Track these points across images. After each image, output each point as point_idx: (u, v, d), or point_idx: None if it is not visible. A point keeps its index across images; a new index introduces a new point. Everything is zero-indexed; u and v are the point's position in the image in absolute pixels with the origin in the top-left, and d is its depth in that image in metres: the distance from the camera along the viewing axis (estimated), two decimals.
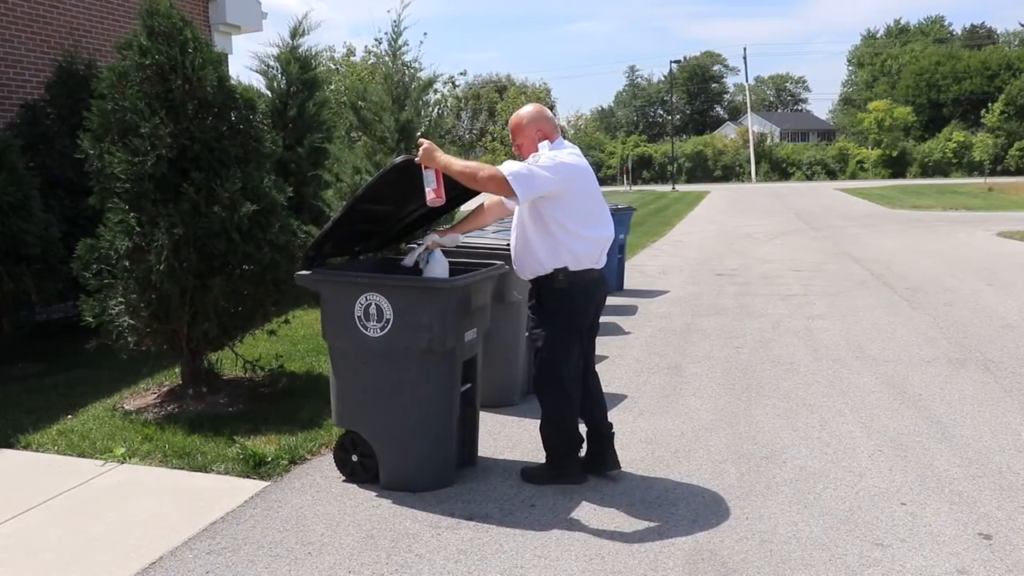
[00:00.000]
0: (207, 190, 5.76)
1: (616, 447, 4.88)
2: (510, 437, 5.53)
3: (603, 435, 4.81)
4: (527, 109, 4.85)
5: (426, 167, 4.46)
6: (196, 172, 5.80)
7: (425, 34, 32.80)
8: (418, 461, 4.58)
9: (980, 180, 48.74)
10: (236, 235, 5.81)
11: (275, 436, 5.44)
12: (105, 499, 4.61)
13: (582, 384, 4.71)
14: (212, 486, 4.74)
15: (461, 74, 30.45)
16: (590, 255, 4.51)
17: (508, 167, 4.38)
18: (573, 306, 4.55)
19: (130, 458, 5.18)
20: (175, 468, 5.01)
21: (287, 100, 11.52)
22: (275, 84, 11.60)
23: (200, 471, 4.95)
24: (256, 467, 4.92)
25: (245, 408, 6.11)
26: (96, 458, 5.21)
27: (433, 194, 4.45)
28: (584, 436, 4.80)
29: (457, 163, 4.46)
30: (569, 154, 4.56)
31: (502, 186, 4.33)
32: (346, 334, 4.53)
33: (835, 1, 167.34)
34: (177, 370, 6.70)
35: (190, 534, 4.13)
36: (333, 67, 26.41)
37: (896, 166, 66.18)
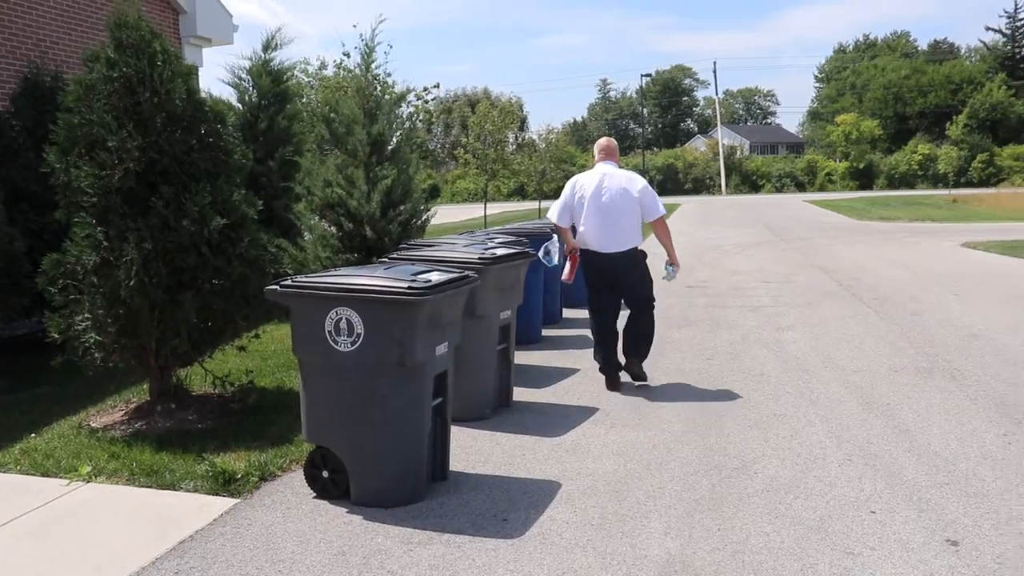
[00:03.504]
0: (176, 204, 5.72)
1: (587, 460, 5.09)
2: (482, 451, 5.51)
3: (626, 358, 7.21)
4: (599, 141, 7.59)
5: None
6: (165, 186, 5.75)
7: (391, 46, 32.87)
8: (389, 476, 4.56)
9: (945, 192, 49.46)
10: (206, 249, 5.76)
11: (245, 452, 5.38)
12: (69, 519, 4.53)
13: (626, 321, 7.19)
14: (180, 504, 4.68)
15: (435, 87, 30.50)
16: (587, 242, 7.11)
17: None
18: (587, 270, 7.23)
19: (96, 477, 5.10)
20: (142, 486, 4.94)
21: (258, 113, 11.48)
22: (246, 97, 11.56)
23: (168, 489, 4.88)
24: (226, 484, 4.87)
25: (214, 424, 6.05)
26: (60, 477, 5.13)
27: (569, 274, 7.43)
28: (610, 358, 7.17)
29: (569, 240, 7.38)
30: (570, 181, 7.37)
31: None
32: (317, 349, 4.50)
33: (804, 16, 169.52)
34: (145, 386, 6.63)
35: (157, 553, 4.07)
36: (306, 80, 26.30)
37: (863, 178, 67.01)
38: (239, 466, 5.08)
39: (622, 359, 7.24)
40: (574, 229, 7.24)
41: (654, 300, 7.23)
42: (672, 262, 7.38)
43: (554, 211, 7.31)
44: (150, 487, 4.92)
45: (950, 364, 7.54)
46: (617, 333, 7.22)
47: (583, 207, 7.09)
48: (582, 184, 7.15)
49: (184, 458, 5.29)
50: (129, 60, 5.80)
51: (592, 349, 7.29)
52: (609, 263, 7.04)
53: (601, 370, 7.24)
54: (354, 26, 37.11)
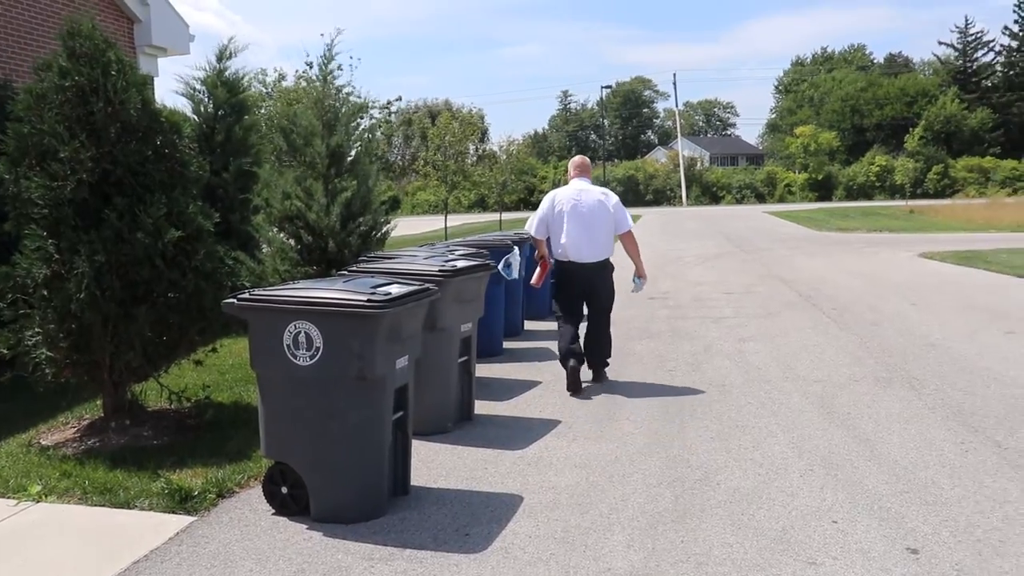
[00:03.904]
0: (130, 216, 5.64)
1: (550, 473, 5.15)
2: (443, 465, 5.49)
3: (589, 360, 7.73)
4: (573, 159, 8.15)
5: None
6: (119, 197, 5.67)
7: (359, 59, 32.90)
8: (350, 491, 4.52)
9: (902, 202, 50.27)
10: (161, 262, 5.69)
11: (202, 469, 5.31)
12: (16, 541, 4.43)
13: (588, 330, 7.73)
14: (135, 523, 4.60)
15: (396, 99, 30.51)
16: (566, 253, 7.58)
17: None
18: (561, 280, 7.74)
19: (46, 496, 4.99)
20: (95, 505, 4.85)
21: (214, 124, 11.37)
22: (202, 108, 11.44)
23: (122, 508, 4.80)
24: (182, 502, 4.80)
25: (170, 441, 5.96)
26: (8, 497, 5.01)
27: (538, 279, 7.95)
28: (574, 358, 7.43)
29: (542, 249, 7.88)
30: (548, 196, 7.85)
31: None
32: (275, 363, 4.47)
33: (763, 29, 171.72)
34: (98, 402, 6.51)
35: (110, 575, 3.99)
36: (264, 91, 26.13)
37: (822, 189, 67.93)
38: (196, 483, 5.01)
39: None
40: (548, 241, 7.79)
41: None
42: (640, 274, 7.92)
43: (532, 223, 7.82)
44: (103, 506, 4.83)
45: (908, 373, 7.66)
46: (582, 322, 7.73)
47: (562, 220, 7.60)
48: (561, 199, 7.69)
49: (139, 476, 5.20)
50: (82, 69, 5.72)
51: (555, 361, 7.34)
52: (586, 272, 7.59)
53: (563, 360, 7.52)
54: (321, 35, 37.02)
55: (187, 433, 6.14)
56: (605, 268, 7.71)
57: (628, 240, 7.73)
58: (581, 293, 7.67)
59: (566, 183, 8.06)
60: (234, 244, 9.49)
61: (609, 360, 7.90)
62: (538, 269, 7.96)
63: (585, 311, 7.80)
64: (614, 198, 7.78)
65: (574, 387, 7.35)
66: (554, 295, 7.92)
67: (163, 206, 5.72)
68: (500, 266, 7.96)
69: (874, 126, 75.84)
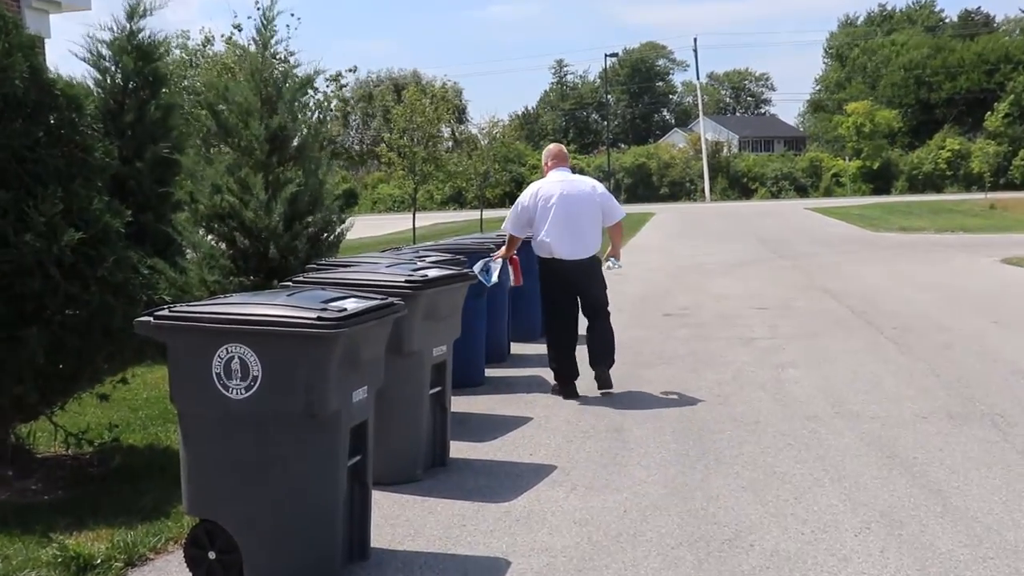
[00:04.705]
0: (17, 213, 5.61)
1: (543, 532, 5.14)
2: (412, 522, 5.48)
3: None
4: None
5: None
6: (1, 191, 5.64)
7: (299, 19, 32.66)
8: (294, 556, 4.50)
9: (980, 196, 50.60)
10: (56, 271, 5.66)
11: (107, 530, 5.27)
12: None
13: (588, 332, 8.57)
14: None
15: (350, 70, 30.38)
16: (552, 251, 8.33)
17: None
18: (549, 280, 8.52)
19: None
20: None
21: (124, 99, 11.32)
22: (108, 78, 11.39)
23: None
24: (80, 572, 4.76)
25: (67, 495, 5.92)
26: None
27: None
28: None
29: (505, 248, 8.82)
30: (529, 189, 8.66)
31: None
32: (201, 396, 4.44)
33: None
34: None
35: None
36: (187, 58, 26.06)
37: (879, 180, 68.36)
38: (99, 548, 4.97)
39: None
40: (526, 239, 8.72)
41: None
42: (616, 256, 8.99)
43: (510, 220, 8.64)
44: None
45: (991, 408, 7.68)
46: (577, 339, 8.51)
47: (547, 215, 8.32)
48: (545, 192, 8.44)
49: (24, 540, 5.15)
50: None
51: (550, 394, 7.31)
52: (577, 270, 8.38)
53: (557, 377, 8.50)
54: None
55: (88, 485, 6.10)
56: (596, 263, 8.59)
57: (617, 231, 8.87)
58: (574, 293, 8.48)
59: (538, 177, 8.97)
60: (150, 249, 9.46)
61: (613, 363, 8.59)
62: (510, 268, 8.88)
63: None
64: (600, 187, 8.80)
65: (571, 394, 8.37)
66: (542, 300, 8.73)
67: (59, 201, 5.69)
68: (477, 269, 8.26)
69: (944, 101, 76.20)
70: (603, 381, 8.47)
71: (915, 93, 77.26)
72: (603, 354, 8.50)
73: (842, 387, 8.57)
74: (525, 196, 8.56)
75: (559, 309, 8.50)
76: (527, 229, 8.55)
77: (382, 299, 4.97)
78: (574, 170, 9.19)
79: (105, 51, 11.38)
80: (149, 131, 11.28)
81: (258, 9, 9.27)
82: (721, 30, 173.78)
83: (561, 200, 8.34)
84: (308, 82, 9.58)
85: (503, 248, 8.90)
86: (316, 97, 24.59)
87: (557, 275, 8.41)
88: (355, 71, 31.75)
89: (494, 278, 8.62)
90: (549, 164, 8.76)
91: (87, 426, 7.02)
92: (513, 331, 10.82)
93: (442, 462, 6.52)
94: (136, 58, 11.37)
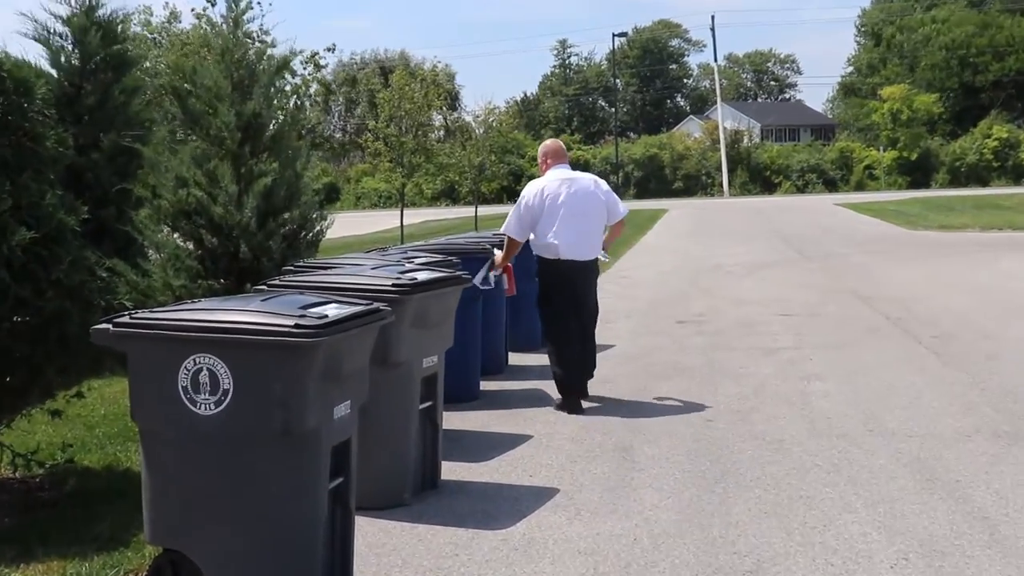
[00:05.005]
0: None
1: (544, 562, 5.13)
2: (399, 551, 5.48)
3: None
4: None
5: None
6: None
7: None
8: None
9: None
10: (5, 273, 5.66)
11: (59, 562, 5.27)
12: None
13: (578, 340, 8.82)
14: None
15: (329, 50, 30.34)
16: (560, 253, 8.57)
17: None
18: (554, 284, 8.79)
19: None
20: None
21: (82, 83, 11.31)
22: (63, 59, 11.37)
23: None
24: None
25: (13, 522, 5.92)
26: None
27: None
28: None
29: (504, 253, 9.07)
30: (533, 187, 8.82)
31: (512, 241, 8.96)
32: (166, 412, 4.44)
33: None
34: None
35: None
36: (150, 36, 26.04)
37: (917, 172, 68.25)
38: None
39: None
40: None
41: None
42: (605, 248, 9.30)
43: (512, 222, 8.84)
44: None
45: None
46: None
47: (556, 215, 8.59)
48: (551, 190, 8.71)
49: None
50: None
51: (551, 408, 7.29)
52: (583, 271, 8.79)
53: (562, 389, 8.71)
54: None
55: (38, 511, 6.11)
56: (596, 265, 9.12)
57: (619, 227, 9.46)
58: (577, 296, 8.79)
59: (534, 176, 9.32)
60: (109, 249, 9.44)
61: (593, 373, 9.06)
62: (504, 276, 9.25)
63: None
64: (603, 183, 9.16)
65: (576, 408, 8.54)
66: (542, 306, 8.97)
67: (7, 196, 5.69)
68: (477, 279, 8.53)
69: (992, 84, 75.99)
70: (584, 393, 8.82)
71: (958, 75, 77.04)
72: (589, 368, 8.90)
73: (876, 402, 8.57)
74: (529, 195, 8.75)
75: (560, 313, 8.76)
76: (529, 232, 8.80)
77: (366, 304, 4.96)
78: (575, 165, 9.54)
79: (60, 27, 11.35)
80: (110, 118, 11.24)
81: None
82: (741, 7, 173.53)
83: (570, 199, 8.63)
84: (285, 64, 9.60)
85: (501, 253, 9.11)
86: (294, 81, 24.63)
87: (564, 277, 8.67)
88: (334, 50, 31.76)
89: (492, 282, 8.81)
90: (549, 162, 9.02)
91: (37, 446, 7.04)
92: (512, 340, 10.82)
93: (433, 485, 6.52)
94: (99, 37, 11.34)
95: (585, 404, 8.61)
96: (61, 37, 11.34)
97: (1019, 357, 10.23)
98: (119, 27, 11.76)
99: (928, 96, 72.05)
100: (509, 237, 8.92)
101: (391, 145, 28.26)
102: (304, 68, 26.52)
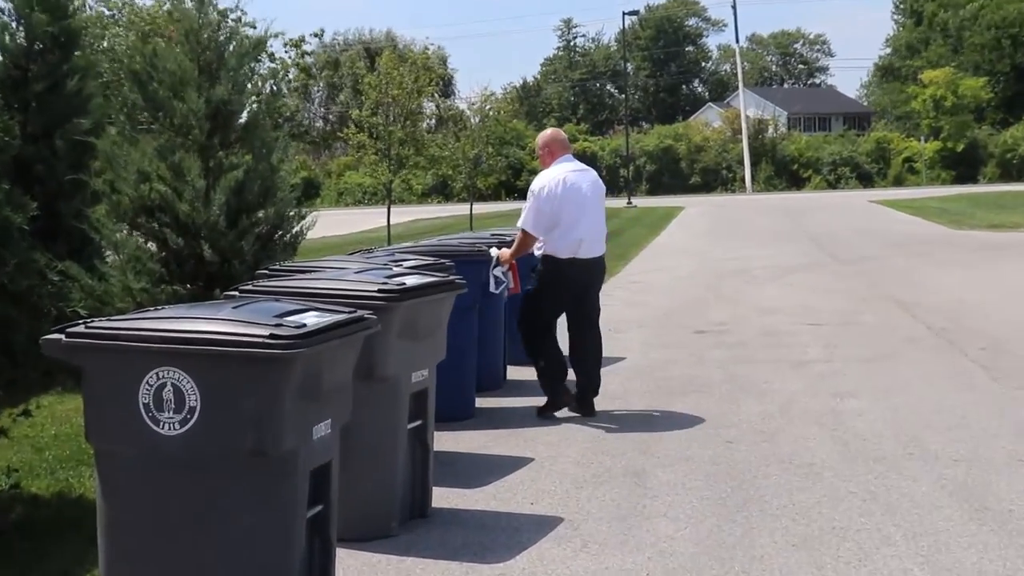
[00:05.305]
0: None
1: None
2: None
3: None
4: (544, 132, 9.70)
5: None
6: None
7: None
8: None
9: None
10: None
11: None
12: None
13: (578, 342, 9.19)
14: None
15: (315, 35, 30.36)
16: (576, 250, 8.81)
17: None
18: (566, 284, 9.02)
19: None
20: None
21: (28, 65, 11.32)
22: (7, 38, 11.38)
23: None
24: None
25: None
26: None
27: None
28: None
29: (514, 250, 9.17)
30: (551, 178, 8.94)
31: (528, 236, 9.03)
32: (125, 432, 4.43)
33: None
34: None
35: None
36: (108, 14, 26.04)
37: (963, 165, 68.32)
38: None
39: None
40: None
41: None
42: None
43: (531, 216, 8.92)
44: None
45: None
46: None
47: (583, 209, 8.93)
48: (572, 182, 8.96)
49: None
50: None
51: (552, 426, 7.29)
52: (598, 269, 9.24)
53: (564, 395, 9.04)
54: None
55: None
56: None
57: None
58: (583, 297, 9.13)
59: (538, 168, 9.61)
60: (62, 250, 9.45)
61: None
62: (510, 273, 9.47)
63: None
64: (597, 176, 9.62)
65: (590, 409, 8.97)
66: (541, 306, 9.11)
67: None
68: (491, 286, 9.07)
69: None
70: (588, 409, 8.99)
71: (1010, 57, 77.02)
72: (596, 378, 9.15)
73: (916, 422, 8.57)
74: (550, 184, 8.88)
75: (548, 321, 9.11)
76: (548, 226, 8.87)
77: (349, 312, 4.96)
78: (580, 158, 10.00)
79: (4, 3, 11.35)
80: (62, 104, 11.22)
81: None
82: None
83: (587, 193, 9.03)
84: (259, 45, 9.57)
85: (508, 250, 9.25)
86: (270, 65, 24.65)
87: (580, 277, 9.02)
88: (321, 35, 31.81)
89: (501, 287, 8.98)
90: (556, 153, 9.16)
91: None
92: (510, 352, 10.81)
93: (423, 513, 6.52)
94: (46, 13, 11.34)
95: (591, 424, 8.62)
96: (3, 13, 11.34)
97: None
98: (68, 2, 11.75)
99: (975, 80, 72.09)
100: (524, 232, 9.01)
101: (377, 136, 28.21)
102: (286, 52, 26.58)
